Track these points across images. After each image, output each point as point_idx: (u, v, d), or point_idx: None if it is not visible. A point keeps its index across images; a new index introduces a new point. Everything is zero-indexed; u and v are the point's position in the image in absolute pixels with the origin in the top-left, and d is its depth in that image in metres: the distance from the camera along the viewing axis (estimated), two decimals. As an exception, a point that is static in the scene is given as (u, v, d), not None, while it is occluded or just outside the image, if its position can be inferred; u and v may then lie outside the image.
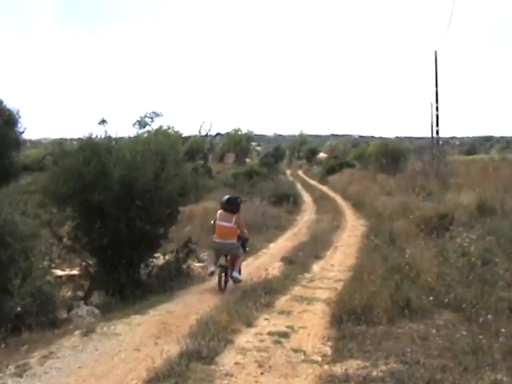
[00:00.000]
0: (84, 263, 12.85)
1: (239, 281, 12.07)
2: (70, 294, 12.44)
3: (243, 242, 12.60)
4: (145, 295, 11.42)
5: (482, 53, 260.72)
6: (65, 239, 12.81)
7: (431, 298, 9.44)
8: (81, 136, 12.92)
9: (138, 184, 11.90)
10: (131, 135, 14.48)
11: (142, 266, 12.93)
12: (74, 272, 13.50)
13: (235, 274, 12.05)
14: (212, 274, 12.11)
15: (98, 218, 12.07)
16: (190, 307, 10.07)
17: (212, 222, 12.63)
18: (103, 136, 12.99)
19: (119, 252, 12.16)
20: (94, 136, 12.83)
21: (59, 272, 13.44)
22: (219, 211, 12.44)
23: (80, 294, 12.50)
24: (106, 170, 11.84)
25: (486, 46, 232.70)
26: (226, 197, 12.82)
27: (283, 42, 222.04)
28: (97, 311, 10.70)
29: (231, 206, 12.38)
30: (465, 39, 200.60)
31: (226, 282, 11.92)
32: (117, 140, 13.39)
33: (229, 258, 12.24)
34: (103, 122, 13.54)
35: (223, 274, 11.90)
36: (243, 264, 13.07)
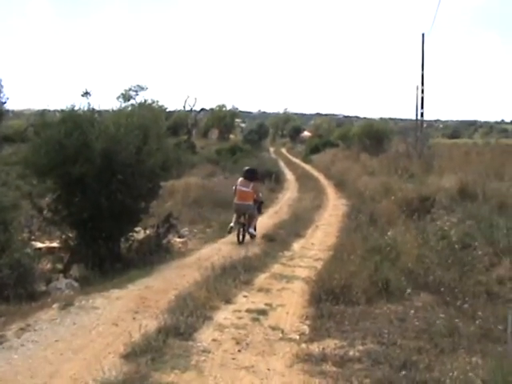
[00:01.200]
0: (64, 236, 12.79)
1: (254, 236, 14.87)
2: (49, 266, 12.35)
3: (259, 204, 15.48)
4: (124, 269, 11.40)
5: (469, 37, 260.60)
6: (45, 211, 12.70)
7: (410, 279, 9.52)
8: (64, 107, 12.76)
9: (120, 157, 11.81)
10: (115, 108, 14.33)
11: (122, 239, 12.89)
12: (54, 244, 13.43)
13: (251, 230, 14.86)
14: (231, 229, 14.78)
15: (79, 191, 11.98)
16: (169, 282, 10.06)
17: (233, 187, 15.42)
18: (86, 108, 12.86)
19: (99, 225, 12.10)
20: (76, 108, 12.69)
21: (39, 244, 13.38)
22: (240, 178, 15.43)
23: (59, 266, 12.41)
24: (88, 143, 11.72)
25: (474, 30, 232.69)
26: (246, 167, 16.17)
27: (270, 18, 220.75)
28: (76, 284, 10.64)
29: (250, 175, 15.36)
30: (452, 23, 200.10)
31: (243, 236, 14.73)
32: (100, 112, 13.26)
33: (246, 216, 14.87)
34: (86, 93, 13.36)
35: (241, 230, 14.70)
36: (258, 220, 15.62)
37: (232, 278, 9.91)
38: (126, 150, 11.82)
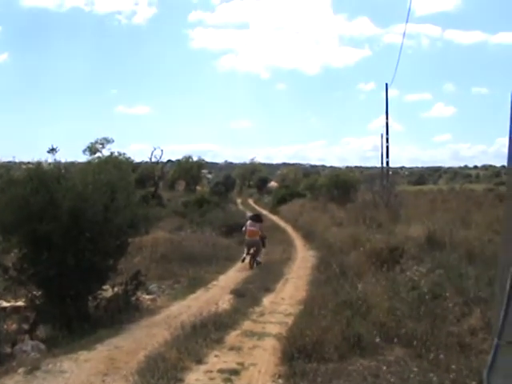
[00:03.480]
0: (30, 294, 12.53)
1: (259, 263, 20.03)
2: (14, 326, 12.07)
3: (263, 239, 20.95)
4: (93, 329, 11.15)
5: (429, 86, 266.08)
6: (11, 271, 12.46)
7: (382, 333, 9.47)
8: (30, 159, 12.68)
9: (88, 215, 11.68)
10: (82, 161, 14.30)
11: (90, 298, 12.66)
12: (20, 303, 13.10)
13: (258, 259, 20.19)
14: (244, 259, 20.09)
15: (45, 249, 11.79)
16: (139, 342, 9.88)
17: (243, 228, 21.17)
18: (52, 165, 12.78)
19: (66, 284, 11.87)
20: (42, 164, 12.61)
21: (3, 303, 13.09)
22: (248, 221, 21.28)
23: (25, 326, 12.12)
24: (55, 201, 11.60)
25: (432, 80, 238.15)
26: (251, 214, 25.99)
27: (235, 67, 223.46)
28: (42, 346, 10.36)
29: (256, 218, 21.66)
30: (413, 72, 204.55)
31: (253, 263, 19.87)
32: (66, 168, 13.18)
33: (255, 249, 20.09)
34: (52, 150, 13.30)
35: (252, 259, 19.97)
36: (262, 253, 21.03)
37: (203, 336, 9.71)
38: (94, 208, 11.72)
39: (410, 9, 27.62)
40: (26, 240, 12.07)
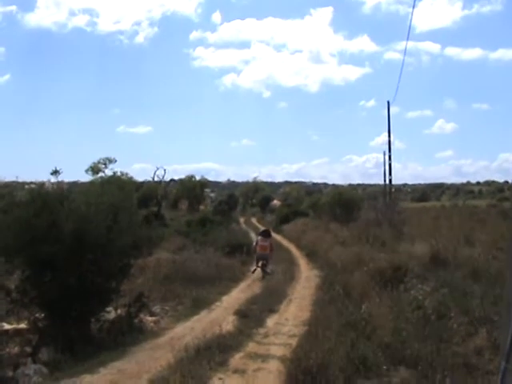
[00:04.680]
0: (32, 317, 12.48)
1: (268, 273, 21.77)
2: (16, 349, 12.01)
3: (270, 252, 22.87)
4: (96, 351, 11.08)
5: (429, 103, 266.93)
6: (14, 294, 12.42)
7: (387, 354, 9.39)
8: (33, 179, 12.71)
9: (91, 237, 11.68)
10: (84, 181, 14.34)
11: (93, 320, 12.61)
12: (22, 326, 13.04)
13: (267, 270, 22.04)
14: (254, 270, 22.31)
15: (48, 271, 11.78)
16: (142, 365, 9.81)
17: (254, 243, 23.73)
18: (55, 186, 12.80)
19: (69, 306, 11.86)
20: (46, 184, 12.63)
21: (6, 326, 13.02)
22: (259, 237, 23.58)
23: (28, 349, 12.04)
24: (58, 223, 11.61)
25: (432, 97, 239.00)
26: (263, 228, 28.76)
27: (234, 88, 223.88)
28: (45, 370, 10.28)
29: (266, 234, 23.79)
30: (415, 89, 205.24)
31: (263, 273, 21.78)
32: (69, 188, 13.19)
33: (264, 261, 22.20)
34: (55, 172, 13.34)
35: (262, 270, 21.88)
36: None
37: (206, 359, 9.63)
38: (97, 230, 11.72)
39: (410, 26, 27.67)
40: (28, 262, 12.08)
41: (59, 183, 12.91)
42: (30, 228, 11.57)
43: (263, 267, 22.15)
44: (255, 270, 22.42)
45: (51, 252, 11.37)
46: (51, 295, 11.74)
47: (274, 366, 9.70)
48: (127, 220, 12.54)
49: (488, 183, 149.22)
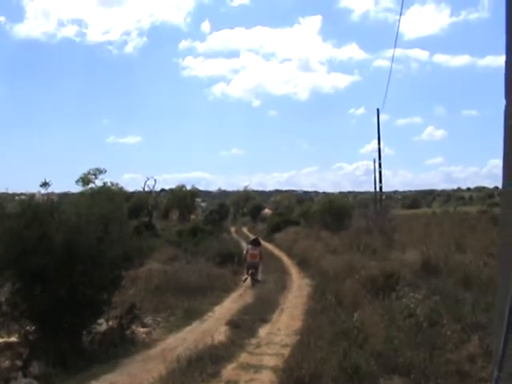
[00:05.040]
0: (23, 330, 12.39)
1: (258, 281, 22.39)
2: (7, 363, 11.91)
3: (260, 259, 23.75)
4: (87, 364, 11.01)
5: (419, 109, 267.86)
6: (4, 307, 12.33)
7: (380, 362, 9.36)
8: (23, 191, 12.65)
9: (81, 248, 11.63)
10: (75, 192, 14.30)
11: (84, 332, 12.53)
12: (13, 339, 12.94)
13: (257, 278, 22.68)
14: (246, 279, 22.85)
15: (39, 283, 11.70)
16: (134, 377, 9.76)
17: (245, 252, 24.88)
18: (45, 197, 12.74)
19: (60, 318, 11.78)
20: (36, 195, 12.58)
21: (-4, 339, 12.93)
22: (249, 245, 24.78)
23: (19, 363, 11.94)
24: (48, 234, 11.56)
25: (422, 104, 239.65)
26: (253, 237, 29.11)
27: (225, 97, 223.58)
28: (36, 384, 10.22)
29: (256, 242, 25.08)
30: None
31: (253, 280, 22.41)
32: (60, 199, 13.14)
33: (254, 270, 22.87)
34: (45, 184, 13.28)
35: (252, 278, 22.52)
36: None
37: (198, 370, 9.56)
38: (87, 241, 11.68)
39: (397, 33, 27.75)
40: (19, 274, 12.02)
41: (49, 194, 12.81)
42: (21, 239, 11.53)
43: (253, 276, 22.74)
44: (246, 278, 22.93)
45: (42, 263, 11.33)
46: (42, 307, 11.67)
47: (266, 376, 9.66)
48: (118, 231, 12.51)
49: (478, 189, 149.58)
